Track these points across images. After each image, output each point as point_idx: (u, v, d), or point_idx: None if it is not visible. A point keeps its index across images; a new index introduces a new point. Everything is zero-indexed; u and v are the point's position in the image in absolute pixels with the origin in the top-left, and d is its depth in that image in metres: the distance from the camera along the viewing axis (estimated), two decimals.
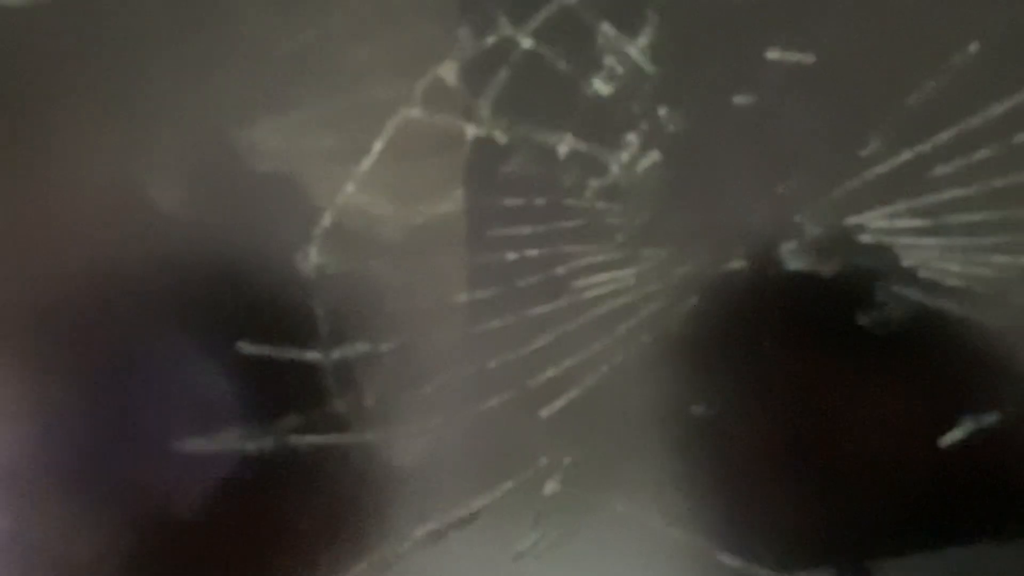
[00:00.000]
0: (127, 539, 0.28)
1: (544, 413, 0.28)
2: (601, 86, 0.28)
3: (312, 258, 0.28)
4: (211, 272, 0.28)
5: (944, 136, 0.27)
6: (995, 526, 0.28)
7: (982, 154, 0.27)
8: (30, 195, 0.28)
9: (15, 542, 0.28)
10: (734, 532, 0.28)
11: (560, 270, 0.28)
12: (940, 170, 0.27)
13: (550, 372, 0.28)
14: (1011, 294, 0.27)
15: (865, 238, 0.28)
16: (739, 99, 0.27)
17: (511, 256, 0.28)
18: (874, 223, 0.27)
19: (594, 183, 0.28)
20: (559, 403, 0.28)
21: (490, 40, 0.28)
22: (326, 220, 0.28)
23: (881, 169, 0.27)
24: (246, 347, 0.28)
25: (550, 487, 0.28)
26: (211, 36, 0.27)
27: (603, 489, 0.28)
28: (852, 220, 0.28)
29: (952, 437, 0.27)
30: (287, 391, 0.28)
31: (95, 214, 0.28)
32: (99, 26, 0.27)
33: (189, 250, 0.28)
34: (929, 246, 0.27)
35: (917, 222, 0.27)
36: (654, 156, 0.28)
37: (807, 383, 0.28)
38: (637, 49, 0.27)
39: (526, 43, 0.27)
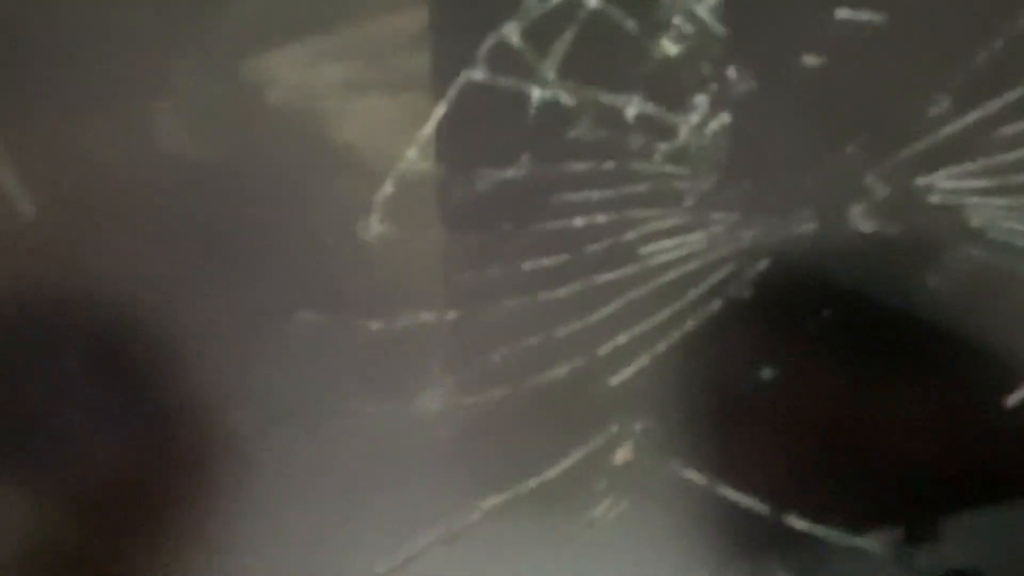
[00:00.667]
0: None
1: (614, 381, 0.28)
2: (669, 46, 0.27)
3: (373, 227, 0.27)
4: (271, 241, 0.27)
5: (1012, 95, 0.27)
6: None
7: None
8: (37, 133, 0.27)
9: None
10: (803, 495, 0.28)
11: (628, 236, 0.27)
12: (1008, 130, 0.27)
13: (619, 339, 0.28)
14: None
15: (933, 198, 0.27)
16: (808, 59, 0.27)
17: (578, 222, 0.27)
18: (942, 183, 0.27)
19: (662, 146, 0.27)
20: (629, 371, 0.28)
21: (555, 0, 0.27)
22: (387, 187, 0.27)
23: (949, 129, 0.27)
24: (308, 315, 0.27)
25: (621, 455, 0.28)
26: None
27: (674, 456, 0.28)
28: (921, 181, 0.27)
29: (1020, 395, 0.28)
30: (351, 362, 0.27)
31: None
32: None
33: (247, 219, 0.27)
34: (997, 206, 0.27)
35: (985, 182, 0.27)
36: (723, 118, 0.27)
37: (876, 345, 0.28)
38: (705, 8, 0.27)
39: (592, 2, 0.27)
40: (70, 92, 0.27)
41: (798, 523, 0.28)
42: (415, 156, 0.27)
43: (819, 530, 0.28)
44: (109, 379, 0.27)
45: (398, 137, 0.27)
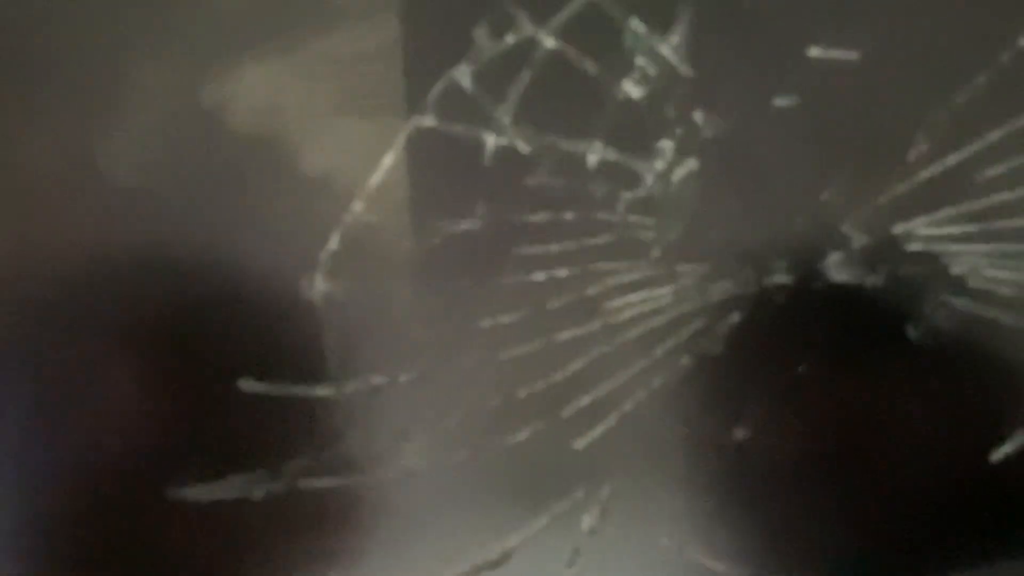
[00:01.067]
0: None
1: (579, 444, 0.26)
2: (632, 89, 0.25)
3: (319, 285, 0.25)
4: (208, 305, 0.25)
5: (993, 136, 0.26)
6: None
7: None
8: None
9: None
10: (782, 563, 0.26)
11: (592, 290, 0.26)
12: (990, 172, 0.26)
13: (584, 400, 0.26)
14: None
15: (913, 246, 0.26)
16: (780, 100, 0.25)
17: (538, 276, 0.26)
18: (922, 230, 0.26)
19: (626, 195, 0.26)
20: (595, 432, 0.26)
21: (509, 40, 0.25)
22: (333, 243, 0.25)
23: (929, 173, 0.26)
24: (249, 384, 0.25)
25: (587, 521, 0.26)
26: None
27: (643, 522, 0.26)
28: (899, 228, 0.26)
29: (1003, 451, 0.26)
30: (296, 430, 0.26)
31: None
32: None
33: (183, 282, 0.25)
34: (979, 253, 0.26)
35: (966, 228, 0.26)
36: (690, 164, 0.26)
37: (855, 400, 0.26)
38: (670, 48, 0.25)
39: (549, 43, 0.25)
40: (15, 109, 0.25)
41: None
42: (361, 209, 0.25)
43: None
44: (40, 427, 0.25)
45: (346, 189, 0.25)
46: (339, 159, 0.25)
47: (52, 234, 0.25)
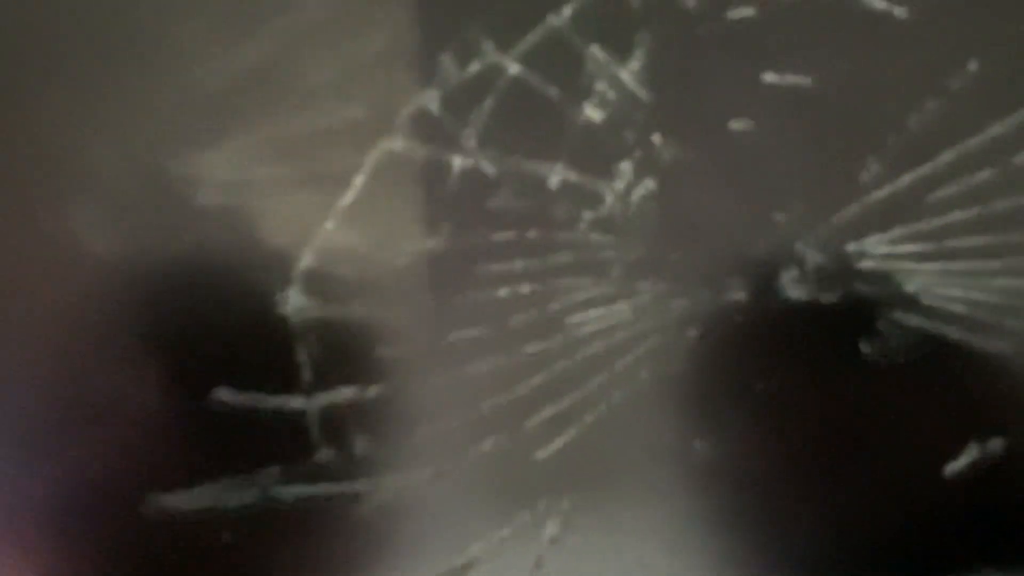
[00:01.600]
0: None
1: (541, 455, 0.27)
2: (592, 112, 0.26)
3: (292, 301, 0.26)
4: (186, 317, 0.26)
5: (944, 158, 0.26)
6: (1000, 553, 0.27)
7: (983, 176, 0.26)
8: None
9: None
10: (741, 571, 0.27)
11: (554, 306, 0.27)
12: (941, 193, 0.26)
13: (546, 412, 0.27)
14: (1014, 319, 0.27)
15: (866, 264, 0.27)
16: (736, 124, 0.26)
17: (502, 293, 0.27)
18: (875, 249, 0.27)
19: (587, 215, 0.26)
20: (556, 444, 0.27)
21: (475, 67, 0.26)
22: (305, 260, 0.26)
23: (881, 193, 0.26)
24: (224, 395, 0.26)
25: (550, 531, 0.27)
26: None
27: (605, 531, 0.27)
28: (853, 247, 0.27)
29: (958, 465, 0.27)
30: (269, 441, 0.27)
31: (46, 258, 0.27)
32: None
33: (161, 295, 0.26)
34: (931, 271, 0.27)
35: (918, 247, 0.27)
36: (649, 185, 0.26)
37: (810, 414, 0.27)
38: (629, 73, 0.26)
39: (513, 69, 0.26)
40: None
41: None
42: (333, 228, 0.26)
43: None
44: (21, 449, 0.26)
45: (318, 208, 0.26)
46: (312, 180, 0.26)
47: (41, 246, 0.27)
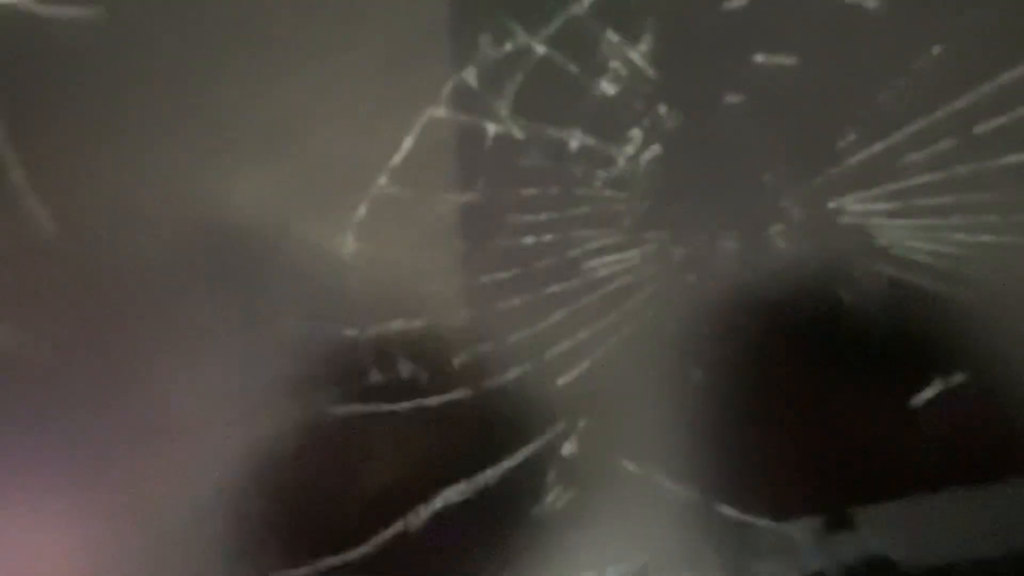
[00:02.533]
0: (176, 511, 0.31)
1: (560, 382, 0.31)
2: (607, 87, 0.31)
3: (349, 244, 0.31)
4: (259, 256, 0.31)
5: (911, 129, 0.30)
6: (961, 476, 0.31)
7: (945, 144, 0.30)
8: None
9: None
10: (732, 486, 0.31)
11: (572, 253, 0.31)
12: (908, 159, 0.30)
13: (565, 345, 0.31)
14: (970, 269, 0.30)
15: (844, 220, 0.31)
16: (730, 98, 0.31)
17: (528, 240, 0.31)
18: (851, 207, 0.31)
19: (602, 174, 0.31)
20: (574, 372, 0.31)
21: (508, 47, 0.31)
22: (362, 210, 0.31)
23: (856, 159, 0.31)
24: (289, 324, 0.31)
25: (567, 449, 0.31)
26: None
27: (614, 449, 0.31)
28: (832, 204, 0.31)
29: (924, 396, 0.31)
30: (327, 365, 0.31)
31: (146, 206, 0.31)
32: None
33: (239, 242, 0.31)
34: (899, 227, 0.31)
35: (889, 205, 0.31)
36: (655, 149, 0.31)
37: (793, 349, 0.31)
38: (639, 54, 0.31)
39: (540, 50, 0.31)
40: (90, 123, 0.31)
41: (728, 511, 0.31)
42: (385, 182, 0.31)
43: (747, 518, 0.31)
44: (121, 377, 0.31)
45: (373, 165, 0.31)
46: (367, 142, 0.31)
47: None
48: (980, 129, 0.30)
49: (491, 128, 0.31)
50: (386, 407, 0.31)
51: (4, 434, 0.31)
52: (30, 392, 0.31)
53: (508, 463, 0.31)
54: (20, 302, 0.31)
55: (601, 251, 0.31)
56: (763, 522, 0.31)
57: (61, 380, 0.31)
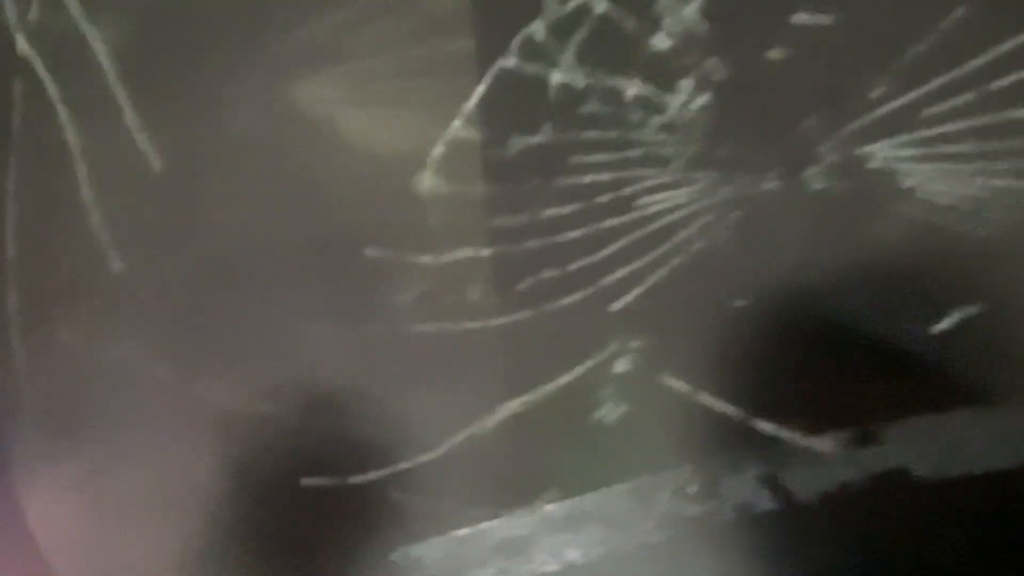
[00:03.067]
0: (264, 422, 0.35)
1: (615, 307, 0.34)
2: (661, 41, 0.34)
3: (427, 180, 0.34)
4: (350, 190, 0.34)
5: (936, 83, 0.33)
6: (976, 396, 0.34)
7: (966, 97, 0.33)
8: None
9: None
10: (768, 403, 0.34)
11: (627, 190, 0.34)
12: (933, 110, 0.34)
13: (620, 273, 0.34)
14: (987, 210, 0.34)
15: (873, 164, 0.34)
16: (772, 53, 0.34)
17: (588, 179, 0.34)
18: (880, 152, 0.34)
19: (655, 120, 0.34)
20: (627, 298, 0.34)
21: (571, 5, 0.34)
22: (438, 149, 0.34)
23: (886, 109, 0.34)
24: (373, 252, 0.34)
25: (620, 366, 0.34)
26: None
27: (663, 368, 0.34)
28: (863, 150, 0.34)
29: (943, 325, 0.34)
30: (405, 287, 0.34)
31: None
32: None
33: (329, 178, 0.34)
34: (924, 171, 0.34)
35: (915, 151, 0.34)
36: (704, 98, 0.34)
37: (825, 280, 0.34)
38: (691, 11, 0.34)
39: (600, 7, 0.34)
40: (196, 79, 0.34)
41: (764, 426, 0.34)
42: (460, 125, 0.34)
43: (782, 432, 0.34)
44: (231, 298, 0.34)
45: (448, 110, 0.34)
46: (445, 89, 0.34)
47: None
48: (998, 84, 0.33)
49: (556, 77, 0.34)
50: (457, 326, 0.34)
51: None
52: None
53: (566, 379, 0.34)
54: (131, 227, 0.34)
55: (653, 189, 0.34)
56: (796, 436, 0.34)
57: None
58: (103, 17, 0.34)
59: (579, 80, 0.34)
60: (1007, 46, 0.33)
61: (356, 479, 0.34)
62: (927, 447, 0.34)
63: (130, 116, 0.34)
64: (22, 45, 0.34)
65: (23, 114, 0.34)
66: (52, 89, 0.34)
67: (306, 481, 0.34)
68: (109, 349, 0.34)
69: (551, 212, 0.34)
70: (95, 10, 0.34)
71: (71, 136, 0.34)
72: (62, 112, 0.34)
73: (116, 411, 0.34)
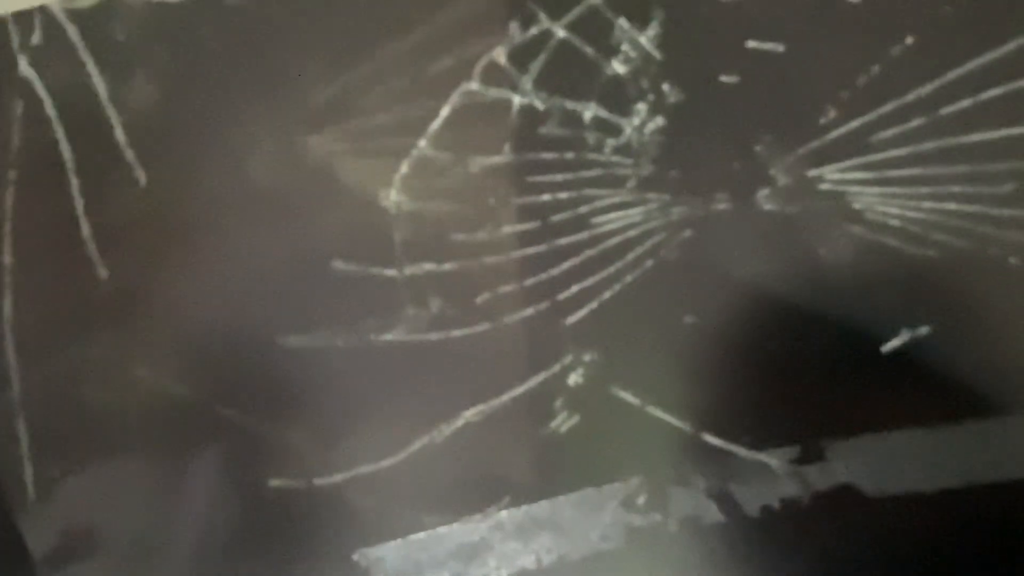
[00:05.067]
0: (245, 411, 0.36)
1: (570, 321, 0.35)
2: (618, 66, 0.35)
3: (392, 197, 0.36)
4: (320, 205, 0.36)
5: (885, 108, 0.34)
6: (922, 416, 0.34)
7: (915, 123, 0.34)
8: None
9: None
10: (716, 417, 0.35)
11: (583, 209, 0.35)
12: (882, 135, 0.34)
13: (575, 288, 0.35)
14: (936, 233, 0.34)
15: (823, 186, 0.34)
16: (725, 78, 0.35)
17: (546, 198, 0.35)
18: (830, 175, 0.34)
19: (611, 142, 0.35)
20: (582, 313, 0.35)
21: (533, 31, 0.35)
22: (403, 168, 0.36)
23: (836, 133, 0.34)
24: (339, 265, 0.36)
25: (573, 379, 0.35)
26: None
27: (615, 381, 0.35)
28: (813, 172, 0.34)
29: (892, 344, 0.34)
30: (370, 300, 0.36)
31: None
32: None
33: (298, 190, 0.36)
34: (873, 193, 0.34)
35: (864, 175, 0.34)
36: (659, 121, 0.35)
37: (776, 299, 0.35)
38: (647, 38, 0.35)
39: (560, 33, 0.35)
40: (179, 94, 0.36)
41: (712, 440, 0.35)
42: (425, 145, 0.36)
43: (730, 446, 0.35)
44: (189, 293, 0.36)
45: (413, 131, 0.36)
46: (411, 111, 0.36)
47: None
48: (947, 110, 0.34)
49: (516, 100, 0.35)
50: (418, 337, 0.35)
51: None
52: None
53: (521, 390, 0.35)
54: (118, 237, 0.36)
55: (608, 209, 0.35)
56: (743, 451, 0.35)
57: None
58: (97, 43, 0.36)
59: (538, 103, 0.35)
60: (956, 73, 0.34)
61: (321, 481, 0.36)
62: (873, 464, 0.34)
63: (119, 134, 0.36)
64: (24, 67, 0.36)
65: (22, 131, 0.37)
66: (50, 108, 0.36)
67: (274, 482, 0.36)
68: (91, 349, 0.36)
69: (509, 229, 0.35)
70: (90, 36, 0.36)
71: (66, 152, 0.36)
72: (58, 130, 0.36)
73: (95, 411, 0.36)
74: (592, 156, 0.35)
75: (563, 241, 0.35)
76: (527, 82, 0.35)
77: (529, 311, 0.35)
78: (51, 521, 0.37)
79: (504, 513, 0.35)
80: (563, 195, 0.35)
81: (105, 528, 0.37)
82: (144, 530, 0.36)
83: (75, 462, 0.37)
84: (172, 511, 0.36)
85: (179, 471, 0.36)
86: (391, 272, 0.36)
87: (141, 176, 0.36)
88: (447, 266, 0.35)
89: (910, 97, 0.34)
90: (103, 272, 0.36)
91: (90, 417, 0.37)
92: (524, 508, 0.35)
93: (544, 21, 0.35)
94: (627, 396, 0.35)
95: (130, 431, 0.36)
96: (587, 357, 0.35)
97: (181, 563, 0.36)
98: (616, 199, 0.35)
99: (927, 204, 0.34)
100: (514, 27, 0.35)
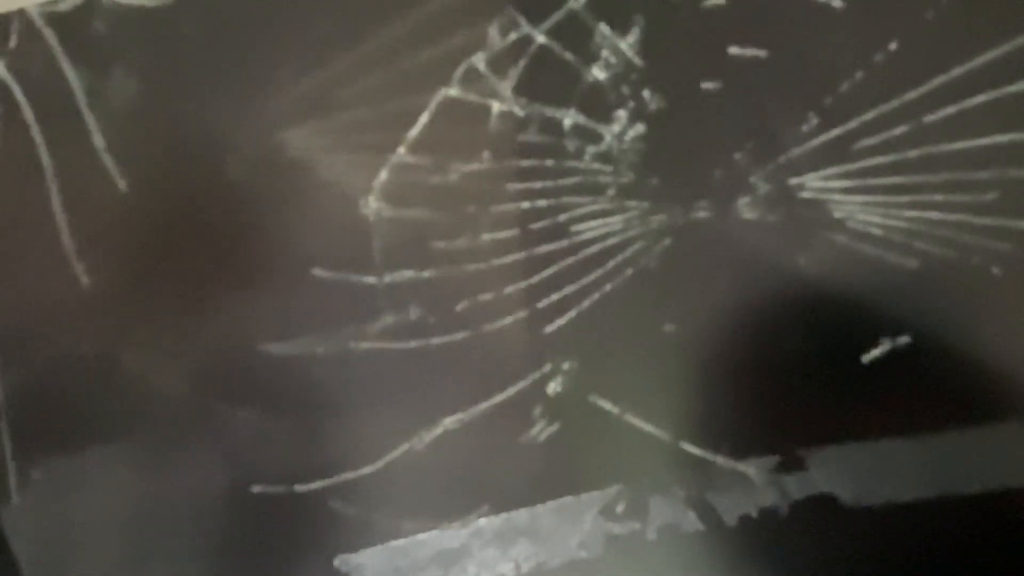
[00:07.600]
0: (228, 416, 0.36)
1: (548, 329, 0.35)
2: (598, 73, 0.34)
3: (371, 204, 0.35)
4: (300, 212, 0.35)
5: (868, 116, 0.33)
6: (902, 426, 0.34)
7: (898, 131, 0.33)
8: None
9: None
10: (695, 426, 0.34)
11: (563, 217, 0.35)
12: (864, 143, 0.33)
13: (554, 297, 0.35)
14: (918, 242, 0.33)
15: (804, 195, 0.34)
16: (706, 85, 0.34)
17: (525, 205, 0.35)
18: (811, 183, 0.34)
19: (591, 149, 0.35)
20: (561, 321, 0.35)
21: (512, 37, 0.34)
22: (383, 175, 0.35)
23: (818, 141, 0.34)
24: (319, 272, 0.35)
25: (552, 387, 0.35)
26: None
27: (593, 390, 0.35)
28: (794, 180, 0.34)
29: (873, 354, 0.34)
30: (349, 307, 0.35)
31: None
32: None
33: (279, 195, 0.35)
34: (855, 202, 0.34)
35: (845, 183, 0.34)
36: (639, 128, 0.34)
37: (756, 307, 0.34)
38: (627, 44, 0.34)
39: (540, 39, 0.34)
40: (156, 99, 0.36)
41: (692, 449, 0.34)
42: (404, 152, 0.35)
43: (708, 456, 0.34)
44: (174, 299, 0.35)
45: (392, 137, 0.35)
46: (390, 117, 0.35)
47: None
48: (930, 118, 0.33)
49: (496, 107, 0.35)
50: (398, 345, 0.35)
51: None
52: None
53: (500, 398, 0.35)
54: (97, 242, 0.36)
55: (588, 216, 0.35)
56: (722, 460, 0.34)
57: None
58: (75, 47, 0.36)
59: (518, 109, 0.35)
60: (939, 80, 0.33)
61: (302, 488, 0.36)
62: (852, 474, 0.34)
63: (98, 139, 0.36)
64: (1, 71, 0.36)
65: (1, 135, 0.36)
66: (28, 113, 0.36)
67: (256, 488, 0.36)
68: (72, 352, 0.36)
69: (488, 237, 0.35)
70: (68, 40, 0.36)
71: (44, 157, 0.36)
72: (36, 135, 0.36)
73: (76, 415, 0.36)
74: (572, 163, 0.35)
75: (542, 249, 0.35)
76: (507, 88, 0.35)
77: (508, 319, 0.35)
78: (34, 522, 0.37)
79: (484, 520, 0.35)
80: (542, 203, 0.35)
81: (87, 531, 0.36)
82: (125, 534, 0.36)
83: (57, 464, 0.36)
84: (153, 516, 0.36)
85: (161, 476, 0.36)
86: (371, 279, 0.35)
87: (120, 181, 0.36)
88: (426, 274, 0.35)
89: (893, 104, 0.33)
90: (83, 277, 0.36)
91: (71, 421, 0.36)
92: (504, 515, 0.35)
93: (524, 27, 0.34)
94: (606, 405, 0.35)
95: (111, 436, 0.36)
96: (566, 365, 0.35)
97: (162, 568, 0.36)
98: (596, 207, 0.35)
99: (909, 213, 0.34)
100: (494, 33, 0.35)
